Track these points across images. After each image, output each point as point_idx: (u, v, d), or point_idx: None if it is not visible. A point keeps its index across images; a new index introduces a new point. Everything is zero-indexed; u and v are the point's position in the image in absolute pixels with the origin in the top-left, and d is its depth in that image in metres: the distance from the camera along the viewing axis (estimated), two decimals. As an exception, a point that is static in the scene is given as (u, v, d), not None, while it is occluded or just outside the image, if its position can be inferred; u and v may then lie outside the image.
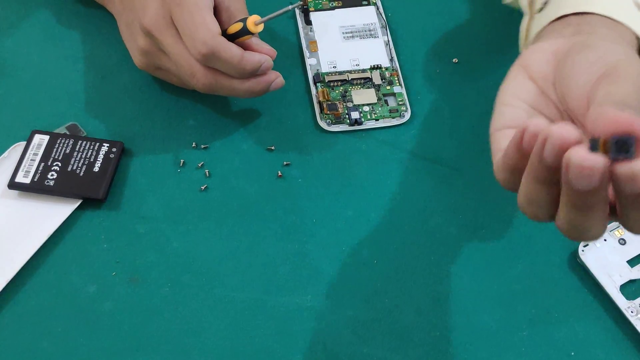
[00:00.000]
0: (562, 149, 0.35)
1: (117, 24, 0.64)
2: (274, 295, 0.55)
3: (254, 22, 0.57)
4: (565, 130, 0.35)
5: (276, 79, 0.61)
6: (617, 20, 0.53)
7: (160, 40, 0.57)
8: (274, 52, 0.60)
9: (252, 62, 0.57)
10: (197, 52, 0.56)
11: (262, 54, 0.58)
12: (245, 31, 0.57)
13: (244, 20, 0.57)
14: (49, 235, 0.57)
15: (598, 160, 0.34)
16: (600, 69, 0.42)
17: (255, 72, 0.59)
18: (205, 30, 0.55)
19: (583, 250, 0.57)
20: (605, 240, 0.58)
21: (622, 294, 0.55)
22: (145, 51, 0.60)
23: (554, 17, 0.54)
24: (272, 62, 0.59)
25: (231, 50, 0.56)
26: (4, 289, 0.55)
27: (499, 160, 0.44)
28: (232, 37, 0.58)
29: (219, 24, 0.57)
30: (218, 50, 0.55)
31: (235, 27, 0.58)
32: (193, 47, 0.56)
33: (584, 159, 0.34)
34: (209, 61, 0.56)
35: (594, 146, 0.34)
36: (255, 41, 0.60)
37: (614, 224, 0.58)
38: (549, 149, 0.36)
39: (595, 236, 0.41)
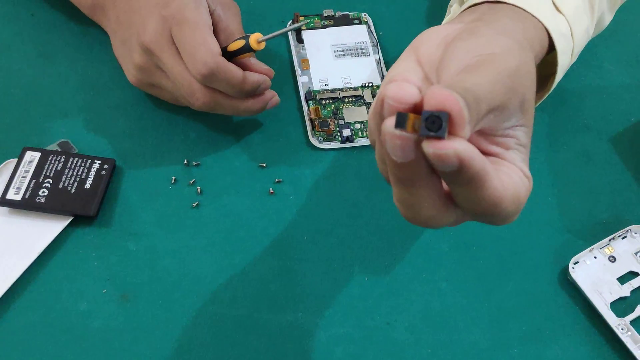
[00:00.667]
0: (393, 111, 0.35)
1: (111, 41, 0.64)
2: (264, 313, 0.55)
3: (257, 40, 0.58)
4: (394, 89, 0.35)
5: (272, 97, 0.61)
6: (526, 11, 0.52)
7: (159, 57, 0.57)
8: (271, 72, 0.61)
9: (251, 83, 0.58)
10: (197, 72, 0.56)
11: (260, 74, 0.59)
12: (247, 48, 0.58)
13: (246, 37, 0.58)
14: (40, 253, 0.57)
15: (406, 135, 0.34)
16: (472, 58, 0.42)
17: (254, 92, 0.59)
18: (205, 50, 0.55)
19: (573, 268, 0.57)
20: (595, 257, 0.58)
21: (613, 311, 0.56)
22: (141, 68, 0.60)
23: (468, 5, 0.53)
24: (270, 82, 0.60)
25: (231, 70, 0.56)
26: (-6, 306, 0.55)
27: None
28: (231, 55, 0.58)
29: (218, 43, 0.57)
30: (218, 71, 0.56)
31: (237, 45, 0.58)
32: (193, 67, 0.56)
33: (392, 128, 0.34)
34: (209, 81, 0.57)
35: (399, 121, 0.33)
36: (253, 61, 0.60)
37: (604, 241, 0.58)
38: (385, 109, 0.35)
39: (429, 218, 0.41)
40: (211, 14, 0.59)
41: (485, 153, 0.43)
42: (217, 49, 0.56)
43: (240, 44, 0.58)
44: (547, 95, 0.57)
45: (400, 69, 0.46)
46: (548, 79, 0.57)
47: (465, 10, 0.54)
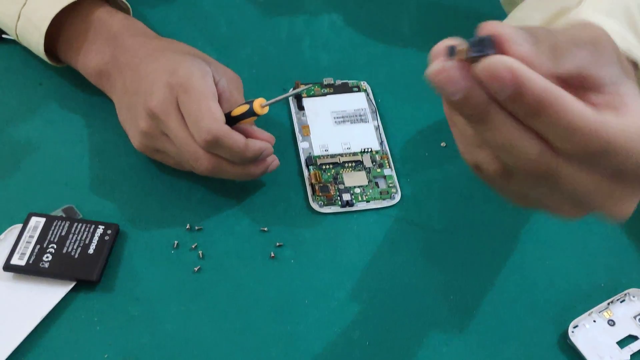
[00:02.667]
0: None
1: (116, 108, 0.65)
2: (266, 378, 0.55)
3: (260, 104, 0.59)
4: (440, 45, 0.34)
5: (272, 162, 0.62)
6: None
7: (165, 123, 0.58)
8: (273, 138, 0.62)
9: (254, 150, 0.59)
10: (201, 139, 0.57)
11: (262, 142, 0.60)
12: (251, 113, 0.59)
13: (250, 102, 0.59)
14: (43, 317, 0.57)
15: (446, 63, 0.33)
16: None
17: (256, 159, 0.60)
18: (210, 118, 0.57)
19: (573, 332, 0.57)
20: (594, 321, 0.58)
21: (613, 375, 0.55)
22: (147, 133, 0.61)
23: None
24: (272, 149, 0.61)
25: (234, 138, 0.57)
26: (-4, 372, 0.54)
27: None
28: (235, 119, 0.59)
29: (222, 111, 0.59)
30: (222, 138, 0.57)
31: (241, 109, 0.59)
32: (198, 134, 0.57)
33: (434, 65, 0.33)
34: (213, 147, 0.58)
35: (451, 52, 0.33)
36: (255, 128, 0.62)
37: (603, 305, 0.58)
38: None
39: (530, 160, 0.36)
40: (216, 84, 0.61)
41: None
42: (222, 117, 0.58)
43: (244, 108, 0.59)
44: None
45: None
46: None
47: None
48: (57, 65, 0.70)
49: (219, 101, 0.60)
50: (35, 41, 0.67)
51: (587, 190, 0.37)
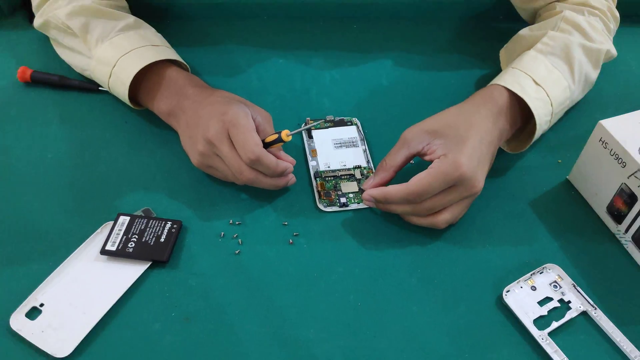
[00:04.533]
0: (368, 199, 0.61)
1: (180, 137, 0.66)
2: (287, 330, 0.55)
3: (286, 134, 0.61)
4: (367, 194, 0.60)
5: (291, 178, 0.63)
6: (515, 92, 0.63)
7: (218, 147, 0.59)
8: (294, 161, 0.63)
9: (282, 167, 0.60)
10: (247, 158, 0.58)
11: (287, 162, 0.62)
12: (279, 140, 0.61)
13: (279, 133, 0.61)
14: (128, 287, 0.57)
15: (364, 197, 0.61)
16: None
17: (282, 174, 0.61)
18: (253, 144, 0.58)
19: (506, 295, 0.57)
20: (521, 287, 0.58)
21: (535, 326, 0.55)
22: (203, 154, 0.61)
23: (492, 83, 0.66)
24: (293, 167, 0.62)
25: (270, 158, 0.59)
26: (95, 326, 0.54)
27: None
28: (267, 145, 0.61)
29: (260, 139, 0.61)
30: (261, 157, 0.58)
31: (272, 137, 0.61)
32: (245, 155, 0.58)
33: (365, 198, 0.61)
34: (253, 164, 0.59)
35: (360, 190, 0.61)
36: (282, 153, 0.63)
37: (527, 276, 0.58)
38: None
39: (421, 224, 0.61)
40: (253, 119, 0.62)
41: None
42: (260, 143, 0.59)
43: (274, 137, 0.61)
44: (535, 138, 0.65)
45: (397, 157, 0.61)
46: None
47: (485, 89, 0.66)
48: (137, 108, 0.71)
49: (257, 132, 0.61)
50: (122, 92, 0.68)
51: (446, 201, 0.59)
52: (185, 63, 0.71)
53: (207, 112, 0.62)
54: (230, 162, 0.59)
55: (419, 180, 0.56)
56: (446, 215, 0.59)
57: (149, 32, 0.71)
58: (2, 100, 0.74)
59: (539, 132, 0.64)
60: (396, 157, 0.60)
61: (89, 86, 0.75)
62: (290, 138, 0.61)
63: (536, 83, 0.64)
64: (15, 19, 0.85)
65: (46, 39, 0.79)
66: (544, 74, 0.64)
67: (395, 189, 0.58)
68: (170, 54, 0.70)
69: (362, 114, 0.74)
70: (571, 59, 0.66)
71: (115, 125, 0.72)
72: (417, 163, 0.65)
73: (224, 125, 0.59)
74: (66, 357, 0.53)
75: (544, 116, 0.64)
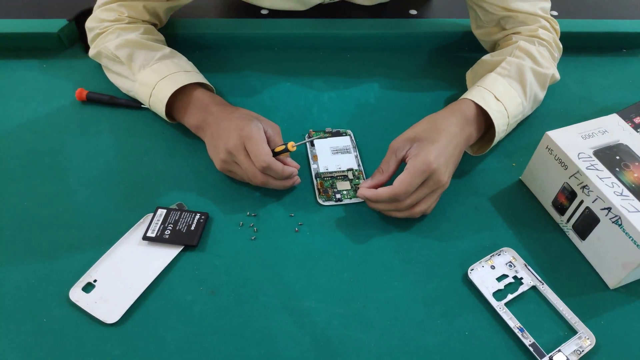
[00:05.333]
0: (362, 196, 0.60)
1: (207, 146, 0.66)
2: (293, 300, 0.55)
3: (292, 145, 0.61)
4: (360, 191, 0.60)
5: (296, 179, 0.63)
6: (480, 105, 0.63)
7: (236, 156, 0.60)
8: (298, 166, 0.64)
9: (288, 172, 0.61)
10: (259, 166, 0.59)
11: (292, 167, 0.62)
12: (286, 150, 0.61)
13: (285, 144, 0.61)
14: (164, 267, 0.57)
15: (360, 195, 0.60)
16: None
17: (289, 177, 0.61)
18: (264, 154, 0.59)
19: (470, 272, 0.57)
20: (482, 266, 0.58)
21: (494, 297, 0.55)
22: (225, 161, 0.62)
23: (463, 97, 0.67)
24: (297, 172, 0.63)
25: (277, 165, 0.60)
26: (138, 298, 0.55)
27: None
28: (276, 154, 0.62)
29: (270, 149, 0.61)
30: (271, 165, 0.59)
31: (280, 148, 0.62)
32: (257, 162, 0.59)
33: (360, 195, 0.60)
34: (265, 170, 0.59)
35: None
36: (288, 160, 0.63)
37: (487, 257, 0.58)
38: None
39: (400, 217, 0.61)
40: (265, 132, 0.62)
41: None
42: (270, 153, 0.60)
43: (282, 147, 0.62)
44: (493, 143, 0.66)
45: (388, 165, 0.61)
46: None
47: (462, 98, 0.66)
48: (172, 122, 0.71)
49: (268, 143, 0.62)
50: (160, 109, 0.68)
51: (420, 196, 0.59)
52: (211, 85, 0.71)
53: (227, 126, 0.62)
54: (246, 168, 0.60)
55: (401, 182, 0.57)
56: (421, 207, 0.59)
57: (182, 61, 0.72)
58: (63, 115, 0.74)
59: (497, 138, 0.65)
60: (389, 165, 0.60)
61: (133, 104, 0.75)
62: (295, 148, 0.61)
63: (496, 98, 0.64)
64: (74, 49, 0.85)
65: (98, 66, 0.79)
66: (502, 91, 0.65)
67: (383, 190, 0.58)
68: (199, 77, 0.70)
69: (354, 126, 0.74)
70: (524, 81, 0.67)
71: (154, 136, 0.72)
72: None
73: (241, 139, 0.60)
74: (115, 322, 0.53)
75: (501, 125, 0.64)
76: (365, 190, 0.60)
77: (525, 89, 0.67)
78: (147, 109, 0.75)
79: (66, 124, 0.73)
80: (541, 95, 0.71)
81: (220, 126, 0.63)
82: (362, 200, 0.63)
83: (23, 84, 0.79)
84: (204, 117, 0.66)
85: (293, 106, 0.77)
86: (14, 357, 0.50)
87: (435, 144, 0.58)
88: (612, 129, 0.62)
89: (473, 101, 0.64)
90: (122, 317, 0.53)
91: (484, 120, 0.65)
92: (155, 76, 0.68)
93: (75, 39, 0.86)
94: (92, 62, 0.80)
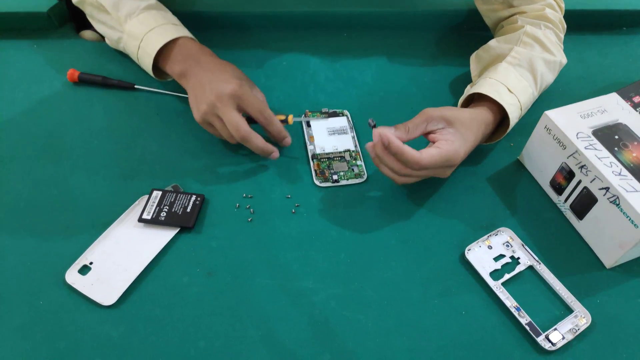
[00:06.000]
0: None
1: (188, 95, 0.65)
2: (291, 281, 0.55)
3: (292, 119, 0.65)
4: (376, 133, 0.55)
5: (274, 154, 0.64)
6: (493, 98, 0.62)
7: (222, 110, 0.60)
8: (289, 142, 0.66)
9: (269, 150, 0.63)
10: (239, 135, 0.61)
11: (271, 148, 0.63)
12: (285, 122, 0.65)
13: (286, 116, 0.65)
14: (161, 249, 0.57)
15: (370, 144, 0.57)
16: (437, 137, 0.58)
17: (278, 135, 0.64)
18: (263, 105, 0.63)
19: (467, 252, 0.57)
20: (480, 246, 0.58)
21: (491, 277, 0.55)
22: (206, 113, 0.61)
23: (468, 93, 0.66)
24: (287, 133, 0.65)
25: (271, 116, 0.63)
26: (134, 280, 0.54)
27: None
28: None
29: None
30: (266, 110, 0.63)
31: (281, 117, 0.65)
32: (237, 131, 0.60)
33: (369, 145, 0.57)
34: (263, 117, 0.63)
35: (371, 124, 0.57)
36: (283, 131, 0.65)
37: (484, 237, 0.58)
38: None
39: (397, 179, 0.58)
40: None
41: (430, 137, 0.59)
42: (265, 104, 0.64)
43: (282, 117, 0.65)
44: (505, 134, 0.65)
45: (416, 124, 0.58)
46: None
47: (472, 103, 0.66)
48: (158, 78, 0.71)
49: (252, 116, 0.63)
50: (147, 62, 0.68)
51: (429, 174, 0.58)
52: (198, 42, 0.70)
53: (219, 78, 0.62)
54: (229, 122, 0.60)
55: (431, 156, 0.55)
56: (409, 179, 0.59)
57: (168, 14, 0.71)
58: (55, 97, 0.73)
59: (509, 130, 0.64)
60: (417, 129, 0.57)
61: (126, 85, 0.74)
62: (292, 122, 0.64)
63: (510, 91, 0.63)
64: (64, 29, 0.83)
65: (90, 46, 0.78)
66: (515, 83, 0.64)
67: (408, 150, 0.54)
68: (187, 33, 0.70)
69: (351, 107, 0.73)
70: (535, 71, 0.66)
71: (148, 116, 0.71)
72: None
73: (234, 93, 0.60)
74: (112, 305, 0.53)
75: (515, 119, 0.64)
76: (390, 134, 0.54)
77: (537, 79, 0.66)
78: (141, 90, 0.73)
79: (58, 105, 0.72)
80: (551, 80, 0.71)
81: (210, 78, 0.62)
82: (375, 142, 0.56)
83: (13, 65, 0.77)
84: (189, 65, 0.65)
85: (289, 86, 0.76)
86: (11, 340, 0.50)
87: (467, 143, 0.58)
88: (611, 108, 0.61)
89: (489, 99, 0.63)
90: (119, 299, 0.53)
91: (498, 113, 0.64)
92: (142, 27, 0.67)
93: (65, 19, 0.84)
94: (83, 43, 0.78)
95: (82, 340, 0.50)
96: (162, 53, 0.68)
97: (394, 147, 0.54)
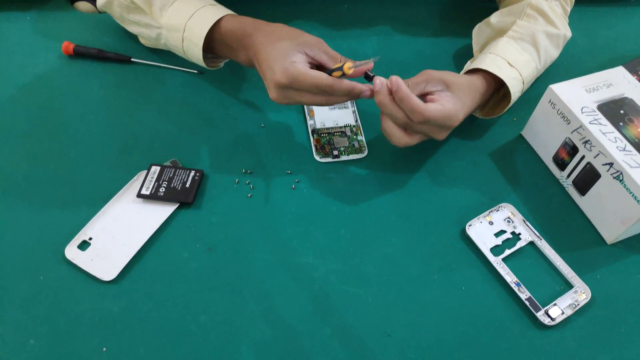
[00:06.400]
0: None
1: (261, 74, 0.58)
2: (291, 257, 0.55)
3: (348, 67, 0.54)
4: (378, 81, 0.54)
5: (365, 92, 0.56)
6: (492, 73, 0.61)
7: (289, 95, 0.55)
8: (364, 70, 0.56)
9: (349, 87, 0.55)
10: (321, 90, 0.54)
11: (351, 84, 0.55)
12: (340, 70, 0.54)
13: (342, 65, 0.54)
14: (160, 224, 0.57)
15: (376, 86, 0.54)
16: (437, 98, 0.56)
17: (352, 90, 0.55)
18: (322, 79, 0.53)
19: (468, 228, 0.57)
20: (481, 222, 0.57)
21: (491, 253, 0.55)
22: (277, 99, 0.55)
23: (468, 68, 0.64)
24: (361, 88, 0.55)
25: (341, 84, 0.54)
26: (134, 255, 0.54)
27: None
28: (331, 72, 0.55)
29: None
30: (334, 86, 0.54)
31: (336, 73, 0.55)
32: (318, 90, 0.54)
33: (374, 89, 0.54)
34: (328, 92, 0.54)
35: (367, 76, 0.56)
36: (344, 81, 0.55)
37: (486, 213, 0.58)
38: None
39: (395, 137, 0.56)
40: (314, 57, 0.56)
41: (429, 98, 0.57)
42: (324, 76, 0.53)
43: (337, 70, 0.55)
44: (507, 108, 0.64)
45: (418, 80, 0.57)
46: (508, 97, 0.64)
47: (471, 73, 0.63)
48: (209, 67, 0.64)
49: (321, 62, 0.56)
50: (197, 54, 0.61)
51: (427, 132, 0.56)
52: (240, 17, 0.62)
53: (268, 65, 0.54)
54: (304, 102, 0.55)
55: (435, 110, 0.53)
56: (410, 139, 0.57)
57: None
58: (50, 70, 0.72)
59: (511, 104, 0.63)
60: (416, 87, 0.56)
61: (123, 58, 0.72)
62: (351, 71, 0.54)
63: (510, 64, 0.62)
64: (59, 0, 0.81)
65: (85, 18, 0.76)
66: (516, 57, 0.62)
67: (415, 99, 0.52)
68: (227, 10, 0.62)
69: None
70: (537, 44, 0.64)
71: (145, 90, 0.69)
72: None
73: (286, 79, 0.53)
74: (112, 280, 0.53)
75: (517, 93, 0.62)
76: (400, 81, 0.52)
77: (540, 53, 0.64)
78: (138, 63, 0.72)
79: (54, 79, 0.71)
80: (556, 55, 0.69)
81: (262, 67, 0.56)
82: (376, 90, 0.54)
83: (7, 38, 0.75)
84: (248, 55, 0.59)
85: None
86: (13, 315, 0.50)
87: (465, 107, 0.57)
88: (617, 82, 0.60)
89: (486, 71, 0.61)
90: (119, 275, 0.53)
91: (495, 85, 0.63)
92: (181, 17, 0.60)
93: (59, -11, 0.82)
94: (78, 14, 0.76)
95: (83, 316, 0.50)
96: (210, 39, 0.61)
97: (402, 91, 0.52)
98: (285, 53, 0.54)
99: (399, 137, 0.56)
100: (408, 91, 0.52)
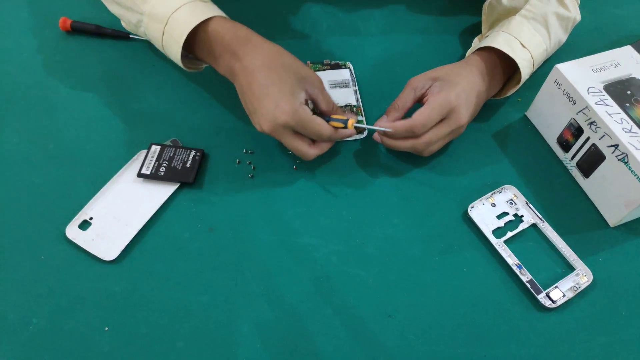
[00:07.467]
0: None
1: (239, 96, 0.55)
2: (292, 237, 0.54)
3: (351, 124, 0.55)
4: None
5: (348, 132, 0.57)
6: (505, 52, 0.59)
7: (281, 138, 0.53)
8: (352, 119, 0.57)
9: (349, 134, 0.57)
10: (323, 140, 0.56)
11: (347, 130, 0.56)
12: (342, 123, 0.55)
13: (346, 120, 0.55)
14: (161, 204, 0.56)
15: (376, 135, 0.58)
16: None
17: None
18: (324, 130, 0.54)
19: (470, 210, 0.56)
20: (483, 204, 0.57)
21: (493, 235, 0.55)
22: (270, 134, 0.53)
23: (476, 48, 0.62)
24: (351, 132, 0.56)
25: (340, 134, 0.56)
26: (135, 235, 0.54)
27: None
28: (329, 120, 0.55)
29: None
30: (333, 137, 0.56)
31: (337, 124, 0.55)
32: (320, 139, 0.55)
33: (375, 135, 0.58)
34: (324, 137, 0.55)
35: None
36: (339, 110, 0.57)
37: (488, 195, 0.57)
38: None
39: (429, 154, 0.58)
40: (311, 95, 0.55)
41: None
42: (326, 126, 0.54)
43: (341, 125, 0.55)
44: (514, 89, 0.62)
45: (405, 99, 0.57)
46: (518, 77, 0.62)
47: (475, 51, 0.61)
48: (187, 69, 0.59)
49: (317, 102, 0.55)
50: (175, 52, 0.55)
51: (442, 136, 0.56)
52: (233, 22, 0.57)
53: (269, 96, 0.51)
54: (294, 149, 0.54)
55: (420, 114, 0.54)
56: (435, 146, 0.57)
57: None
58: (47, 46, 0.70)
59: (519, 86, 0.62)
60: (406, 100, 0.56)
61: (121, 34, 0.70)
62: (353, 128, 0.55)
63: (522, 45, 0.60)
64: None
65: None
66: (529, 37, 0.61)
67: (401, 123, 0.54)
68: (220, 11, 0.57)
69: (354, 58, 0.70)
70: (548, 26, 0.62)
71: (144, 67, 0.68)
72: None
73: (285, 123, 0.51)
74: (113, 260, 0.52)
75: (527, 75, 0.61)
76: (383, 122, 0.56)
77: (550, 35, 0.63)
78: (137, 39, 0.70)
79: (51, 55, 0.69)
80: (564, 39, 0.67)
81: (260, 91, 0.51)
82: (378, 141, 0.58)
83: (3, 14, 0.73)
84: (231, 63, 0.54)
85: (290, 36, 0.73)
86: (14, 295, 0.50)
87: (457, 85, 0.55)
88: (625, 62, 0.58)
89: (498, 49, 0.60)
90: (120, 254, 0.52)
91: (507, 66, 0.61)
92: (166, 6, 0.54)
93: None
94: (74, -12, 0.74)
95: (85, 295, 0.50)
96: (193, 38, 0.55)
97: (393, 131, 0.55)
98: (293, 90, 0.51)
99: (428, 152, 0.57)
100: (394, 125, 0.54)
